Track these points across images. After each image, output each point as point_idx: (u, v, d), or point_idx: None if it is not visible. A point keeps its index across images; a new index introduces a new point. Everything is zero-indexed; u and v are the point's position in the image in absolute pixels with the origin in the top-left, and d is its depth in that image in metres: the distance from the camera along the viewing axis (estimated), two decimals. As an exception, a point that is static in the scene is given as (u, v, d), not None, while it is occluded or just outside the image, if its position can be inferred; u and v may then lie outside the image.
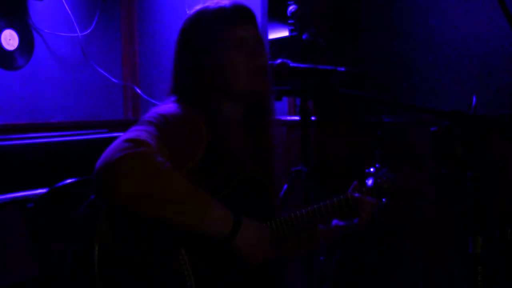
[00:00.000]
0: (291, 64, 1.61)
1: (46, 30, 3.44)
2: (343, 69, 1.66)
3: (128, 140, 1.33)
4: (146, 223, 1.36)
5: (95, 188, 1.32)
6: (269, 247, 1.50)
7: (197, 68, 1.56)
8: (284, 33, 2.35)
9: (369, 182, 1.73)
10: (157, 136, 1.38)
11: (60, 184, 1.77)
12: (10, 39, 3.25)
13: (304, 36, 2.22)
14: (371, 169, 1.76)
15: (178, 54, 1.62)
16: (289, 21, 2.30)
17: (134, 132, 1.37)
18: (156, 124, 1.42)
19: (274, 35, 2.47)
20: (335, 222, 1.75)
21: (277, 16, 2.36)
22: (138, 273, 1.36)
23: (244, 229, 1.42)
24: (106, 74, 3.69)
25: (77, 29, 3.56)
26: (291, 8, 2.27)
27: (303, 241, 1.77)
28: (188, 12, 1.62)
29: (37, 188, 2.51)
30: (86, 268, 1.34)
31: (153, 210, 1.31)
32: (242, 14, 1.60)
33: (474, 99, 1.45)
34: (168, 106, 1.51)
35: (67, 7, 3.50)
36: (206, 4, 1.60)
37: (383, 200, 1.72)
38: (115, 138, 1.35)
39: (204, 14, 1.59)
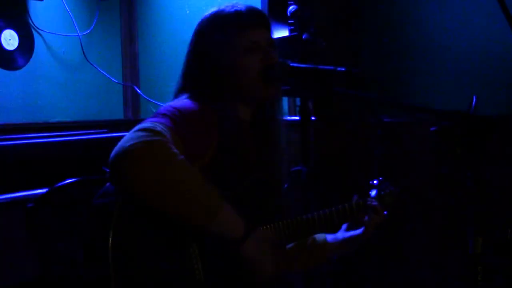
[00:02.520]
0: (291, 64, 1.61)
1: (46, 30, 3.44)
2: (343, 69, 1.65)
3: (143, 130, 1.33)
4: (158, 214, 1.36)
5: (110, 175, 1.32)
6: (275, 253, 1.48)
7: (211, 69, 1.59)
8: (284, 33, 2.35)
9: (372, 193, 1.74)
10: (171, 129, 1.39)
11: (60, 184, 1.77)
12: (10, 39, 3.25)
13: (304, 36, 2.22)
14: (375, 182, 1.78)
15: (193, 54, 1.65)
16: (289, 21, 2.30)
17: (149, 123, 1.38)
18: (170, 117, 1.43)
19: (274, 35, 2.46)
20: (342, 235, 1.75)
21: (277, 16, 2.36)
22: (150, 264, 1.36)
23: (254, 234, 1.42)
24: (106, 74, 3.69)
25: (77, 29, 3.56)
26: (291, 8, 2.27)
27: (313, 255, 1.78)
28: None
29: (37, 188, 2.51)
30: (99, 257, 1.34)
31: (165, 200, 1.31)
32: (257, 18, 1.64)
33: (474, 99, 1.45)
34: (182, 102, 1.54)
35: (67, 7, 3.50)
36: (222, 7, 1.64)
37: (385, 213, 1.73)
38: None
39: (220, 17, 1.62)
